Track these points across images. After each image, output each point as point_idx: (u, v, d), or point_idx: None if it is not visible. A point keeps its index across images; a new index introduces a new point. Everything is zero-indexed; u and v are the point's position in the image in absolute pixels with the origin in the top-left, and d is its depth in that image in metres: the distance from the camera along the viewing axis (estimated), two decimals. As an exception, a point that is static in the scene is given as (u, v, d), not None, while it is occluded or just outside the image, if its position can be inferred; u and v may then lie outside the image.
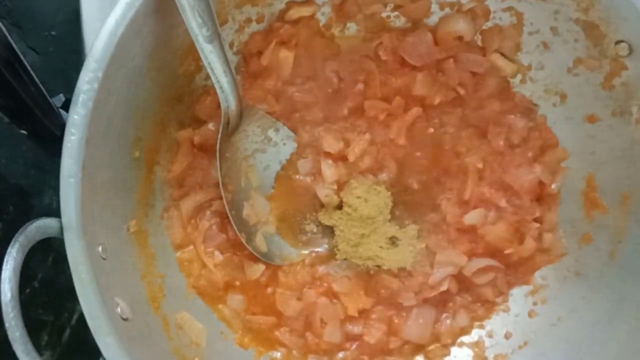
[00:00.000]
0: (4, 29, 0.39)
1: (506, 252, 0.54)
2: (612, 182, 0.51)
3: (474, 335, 0.56)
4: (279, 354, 0.54)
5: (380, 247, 0.53)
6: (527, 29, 0.51)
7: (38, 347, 0.53)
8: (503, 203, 0.53)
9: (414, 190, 0.55)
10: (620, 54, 0.46)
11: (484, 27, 0.53)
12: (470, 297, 0.55)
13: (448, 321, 0.55)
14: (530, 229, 0.54)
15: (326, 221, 0.54)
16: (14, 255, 0.36)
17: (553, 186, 0.54)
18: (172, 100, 0.50)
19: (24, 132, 0.48)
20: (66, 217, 0.39)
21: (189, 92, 0.51)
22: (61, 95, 0.53)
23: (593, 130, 0.51)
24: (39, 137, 0.49)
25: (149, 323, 0.46)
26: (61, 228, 0.39)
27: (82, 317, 0.38)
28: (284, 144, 0.54)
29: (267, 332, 0.53)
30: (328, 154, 0.53)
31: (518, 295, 0.55)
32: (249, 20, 0.51)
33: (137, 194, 0.48)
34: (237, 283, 0.53)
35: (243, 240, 0.52)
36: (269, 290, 0.53)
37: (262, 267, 0.53)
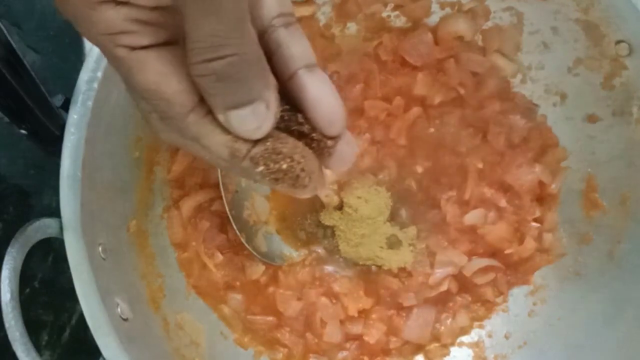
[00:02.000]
0: (4, 29, 0.39)
1: (506, 252, 0.54)
2: (612, 182, 0.51)
3: (474, 335, 0.56)
4: (279, 354, 0.54)
5: (381, 247, 0.53)
6: (527, 29, 0.51)
7: (38, 347, 0.53)
8: (503, 203, 0.53)
9: (414, 190, 0.55)
10: (620, 54, 0.46)
11: (484, 27, 0.53)
12: (470, 297, 0.55)
13: (448, 321, 0.55)
14: (530, 229, 0.54)
15: (326, 221, 0.54)
16: (13, 255, 0.36)
17: (553, 186, 0.54)
18: (172, 100, 0.50)
19: (24, 132, 0.48)
20: (66, 217, 0.39)
21: (189, 92, 0.51)
22: (60, 95, 0.53)
23: (593, 130, 0.51)
24: (39, 137, 0.49)
25: (149, 323, 0.46)
26: (61, 228, 0.39)
27: (82, 317, 0.38)
28: (284, 144, 0.53)
29: (267, 332, 0.53)
30: (328, 154, 0.53)
31: (518, 295, 0.55)
32: (249, 20, 0.51)
33: (137, 194, 0.48)
34: (237, 283, 0.53)
35: (243, 241, 0.52)
36: (269, 290, 0.53)
37: (262, 267, 0.53)
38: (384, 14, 0.53)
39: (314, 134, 0.24)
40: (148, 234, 0.50)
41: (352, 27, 0.54)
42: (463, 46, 0.53)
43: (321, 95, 0.24)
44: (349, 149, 0.26)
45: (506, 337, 0.55)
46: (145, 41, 0.22)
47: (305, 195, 0.25)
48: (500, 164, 0.54)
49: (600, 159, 0.51)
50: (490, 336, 0.55)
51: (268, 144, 0.23)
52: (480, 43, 0.53)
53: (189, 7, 0.20)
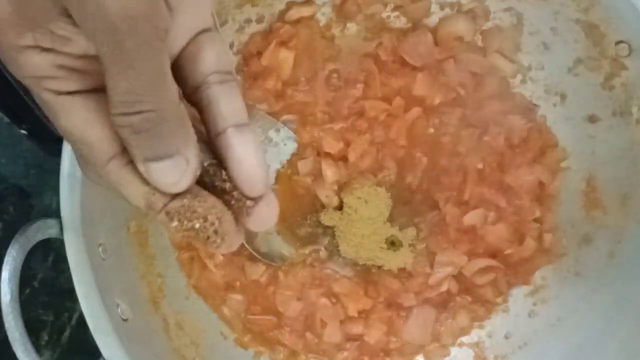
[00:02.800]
0: (4, 29, 0.39)
1: (506, 252, 0.54)
2: (612, 182, 0.51)
3: (474, 335, 0.56)
4: (279, 354, 0.54)
5: (381, 247, 0.53)
6: (527, 29, 0.51)
7: (38, 347, 0.53)
8: (503, 203, 0.53)
9: (414, 191, 0.55)
10: (620, 54, 0.46)
11: (484, 27, 0.53)
12: (470, 297, 0.55)
13: (448, 321, 0.55)
14: (530, 229, 0.54)
15: (326, 222, 0.54)
16: (14, 256, 0.36)
17: (553, 186, 0.54)
18: (172, 100, 0.50)
19: (24, 132, 0.48)
20: (66, 217, 0.39)
21: (189, 92, 0.51)
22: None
23: (593, 130, 0.51)
24: (39, 137, 0.49)
25: (149, 323, 0.46)
26: (61, 228, 0.39)
27: (82, 317, 0.38)
28: (285, 145, 0.53)
29: (267, 332, 0.53)
30: (328, 154, 0.53)
31: (518, 296, 0.55)
32: (249, 21, 0.51)
33: (137, 194, 0.48)
34: (238, 283, 0.53)
35: (243, 241, 0.52)
36: (269, 290, 0.53)
37: (262, 267, 0.53)
38: (384, 15, 0.53)
39: (234, 193, 0.24)
40: (148, 234, 0.50)
41: (352, 28, 0.54)
42: (463, 47, 0.53)
43: (244, 157, 0.24)
44: (268, 211, 0.26)
45: (506, 337, 0.55)
46: (71, 87, 0.22)
47: (219, 252, 0.25)
48: (500, 164, 0.54)
49: (600, 159, 0.51)
50: (490, 336, 0.55)
51: (185, 200, 0.23)
52: (480, 43, 0.53)
53: (106, 64, 0.20)
